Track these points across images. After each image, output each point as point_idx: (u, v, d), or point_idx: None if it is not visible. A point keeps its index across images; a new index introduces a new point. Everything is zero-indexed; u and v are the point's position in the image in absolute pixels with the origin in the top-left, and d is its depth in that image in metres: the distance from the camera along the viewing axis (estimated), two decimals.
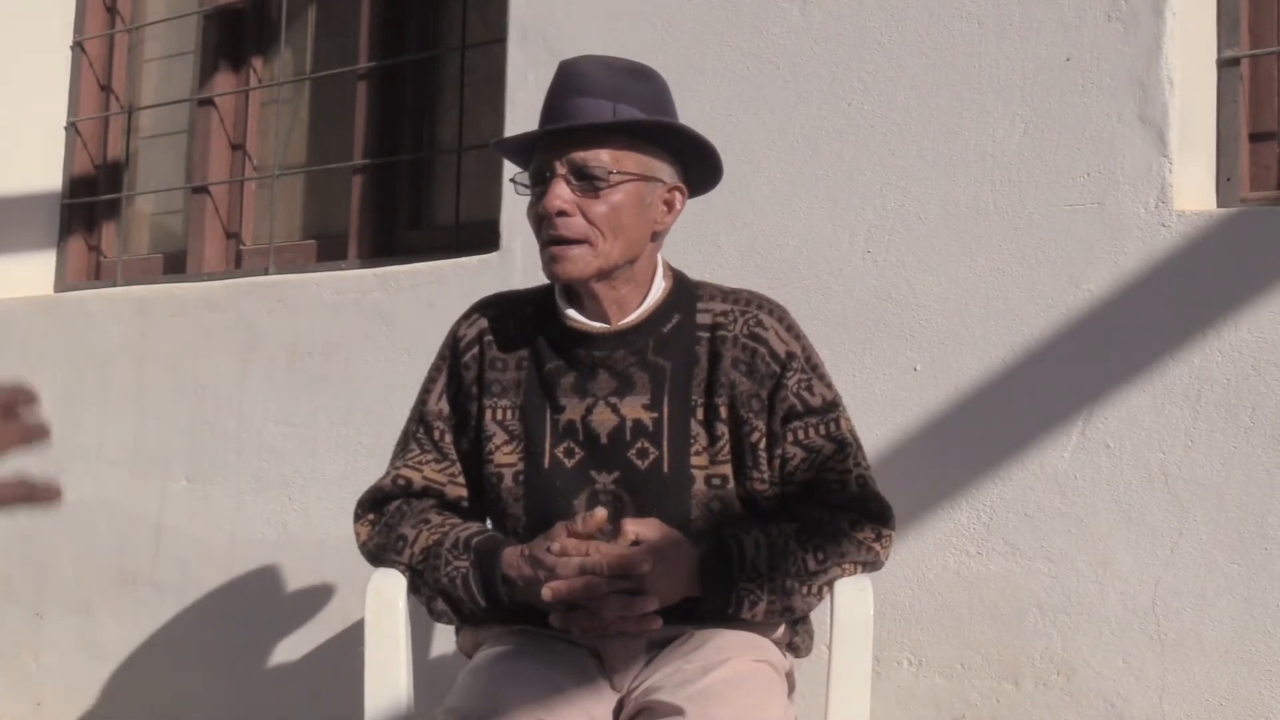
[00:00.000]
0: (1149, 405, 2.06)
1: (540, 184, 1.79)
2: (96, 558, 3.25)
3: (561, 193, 1.75)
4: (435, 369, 1.94)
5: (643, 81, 1.82)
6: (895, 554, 1.92)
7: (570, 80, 1.80)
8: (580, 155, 1.76)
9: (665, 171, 1.83)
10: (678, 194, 1.85)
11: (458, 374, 1.90)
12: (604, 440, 1.80)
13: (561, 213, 1.75)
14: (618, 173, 1.76)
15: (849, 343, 2.29)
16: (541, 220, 1.78)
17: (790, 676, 1.86)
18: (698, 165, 1.88)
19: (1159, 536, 2.05)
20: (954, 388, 2.21)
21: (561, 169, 1.76)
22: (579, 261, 1.77)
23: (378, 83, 3.18)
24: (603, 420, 1.80)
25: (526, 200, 1.85)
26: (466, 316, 1.94)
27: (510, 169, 2.65)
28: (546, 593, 1.69)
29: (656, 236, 1.85)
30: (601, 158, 1.76)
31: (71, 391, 3.34)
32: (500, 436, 1.84)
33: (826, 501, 1.83)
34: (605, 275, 1.80)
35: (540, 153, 1.81)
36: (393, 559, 1.84)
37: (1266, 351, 1.98)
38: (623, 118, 1.76)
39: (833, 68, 2.36)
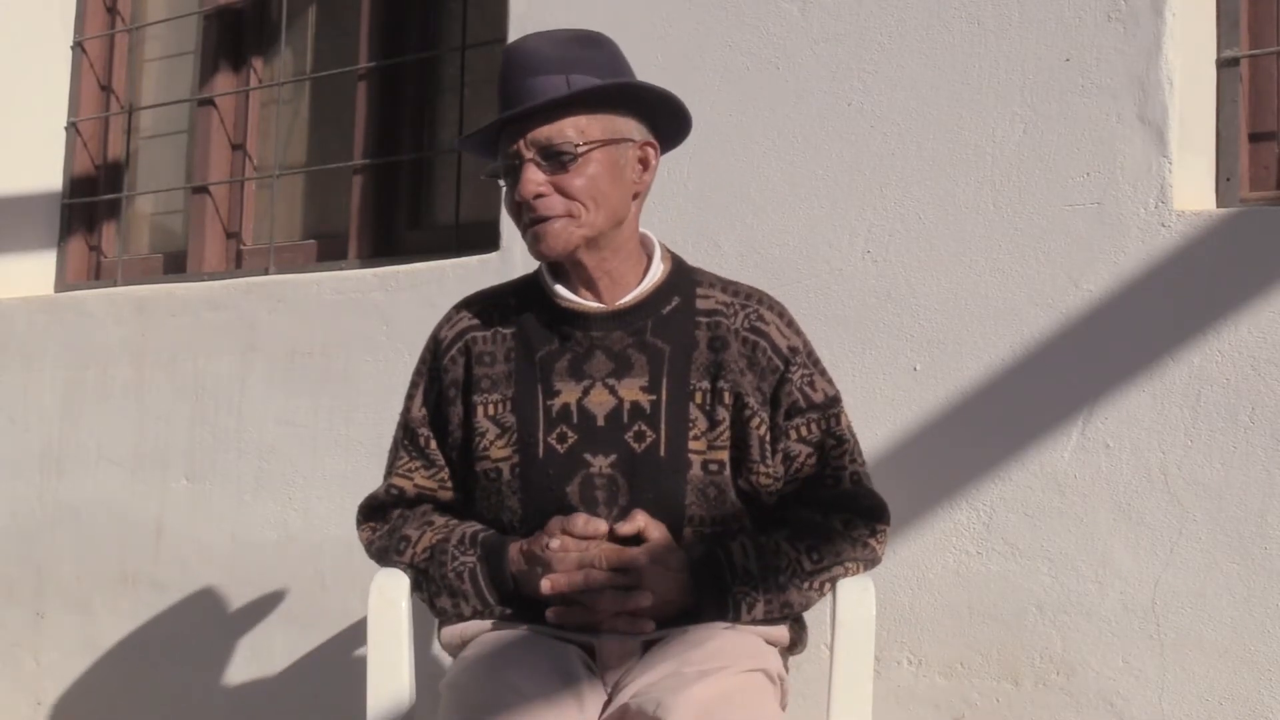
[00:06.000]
0: (1149, 405, 2.06)
1: (511, 173, 1.76)
2: (96, 558, 3.25)
3: (533, 176, 1.73)
4: (417, 374, 1.92)
5: (593, 48, 1.79)
6: (895, 554, 1.92)
7: (518, 61, 1.77)
8: (544, 133, 1.73)
9: (634, 130, 1.80)
10: (650, 150, 1.82)
11: (439, 377, 1.88)
12: (601, 422, 1.77)
13: (538, 195, 1.73)
14: (585, 143, 1.73)
15: (849, 343, 2.29)
16: (520, 208, 1.76)
17: (783, 681, 1.81)
18: (666, 120, 1.84)
19: (1159, 536, 2.05)
20: (954, 388, 2.21)
21: (528, 152, 1.74)
22: (561, 235, 1.74)
23: (378, 83, 3.18)
24: (600, 402, 1.78)
25: None
26: (447, 318, 1.92)
27: None
28: (545, 585, 1.69)
29: (637, 196, 1.82)
30: (566, 132, 1.73)
31: (71, 391, 3.34)
32: (493, 432, 1.81)
33: (819, 498, 1.82)
34: (592, 245, 1.77)
35: (505, 141, 1.77)
36: (394, 559, 1.84)
37: (1266, 351, 1.98)
38: (578, 88, 1.73)
39: (833, 68, 2.36)
